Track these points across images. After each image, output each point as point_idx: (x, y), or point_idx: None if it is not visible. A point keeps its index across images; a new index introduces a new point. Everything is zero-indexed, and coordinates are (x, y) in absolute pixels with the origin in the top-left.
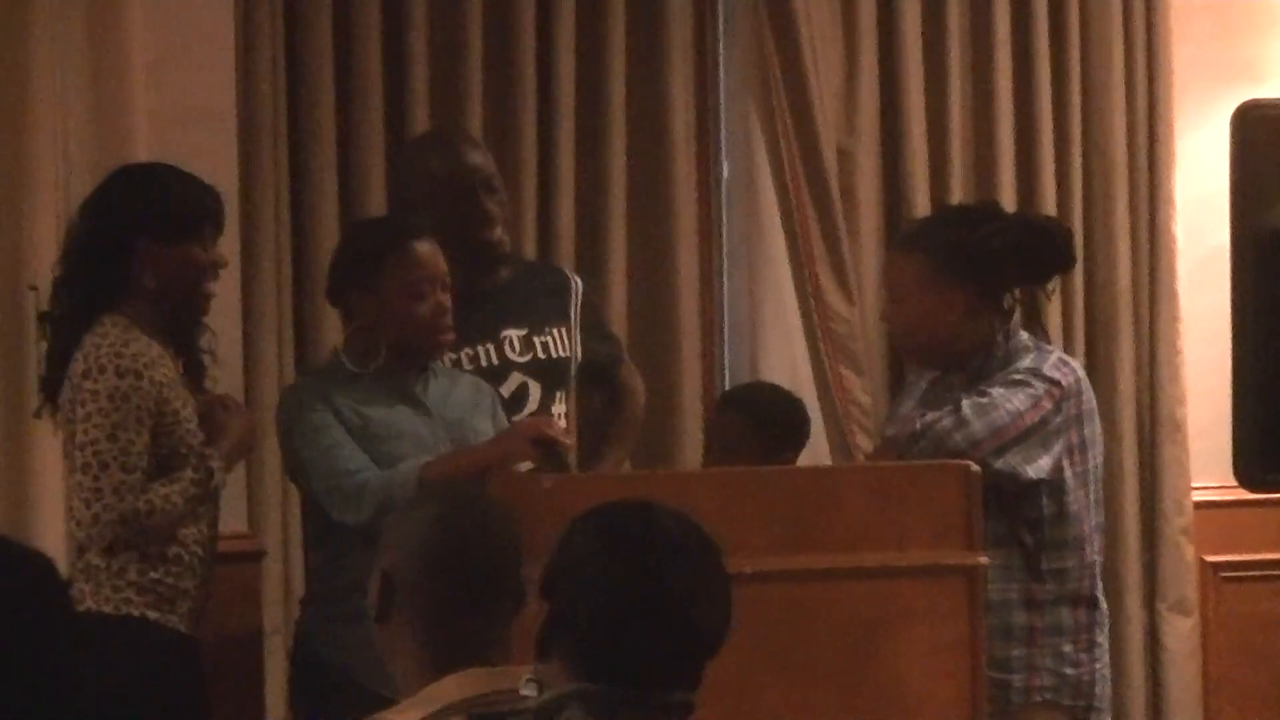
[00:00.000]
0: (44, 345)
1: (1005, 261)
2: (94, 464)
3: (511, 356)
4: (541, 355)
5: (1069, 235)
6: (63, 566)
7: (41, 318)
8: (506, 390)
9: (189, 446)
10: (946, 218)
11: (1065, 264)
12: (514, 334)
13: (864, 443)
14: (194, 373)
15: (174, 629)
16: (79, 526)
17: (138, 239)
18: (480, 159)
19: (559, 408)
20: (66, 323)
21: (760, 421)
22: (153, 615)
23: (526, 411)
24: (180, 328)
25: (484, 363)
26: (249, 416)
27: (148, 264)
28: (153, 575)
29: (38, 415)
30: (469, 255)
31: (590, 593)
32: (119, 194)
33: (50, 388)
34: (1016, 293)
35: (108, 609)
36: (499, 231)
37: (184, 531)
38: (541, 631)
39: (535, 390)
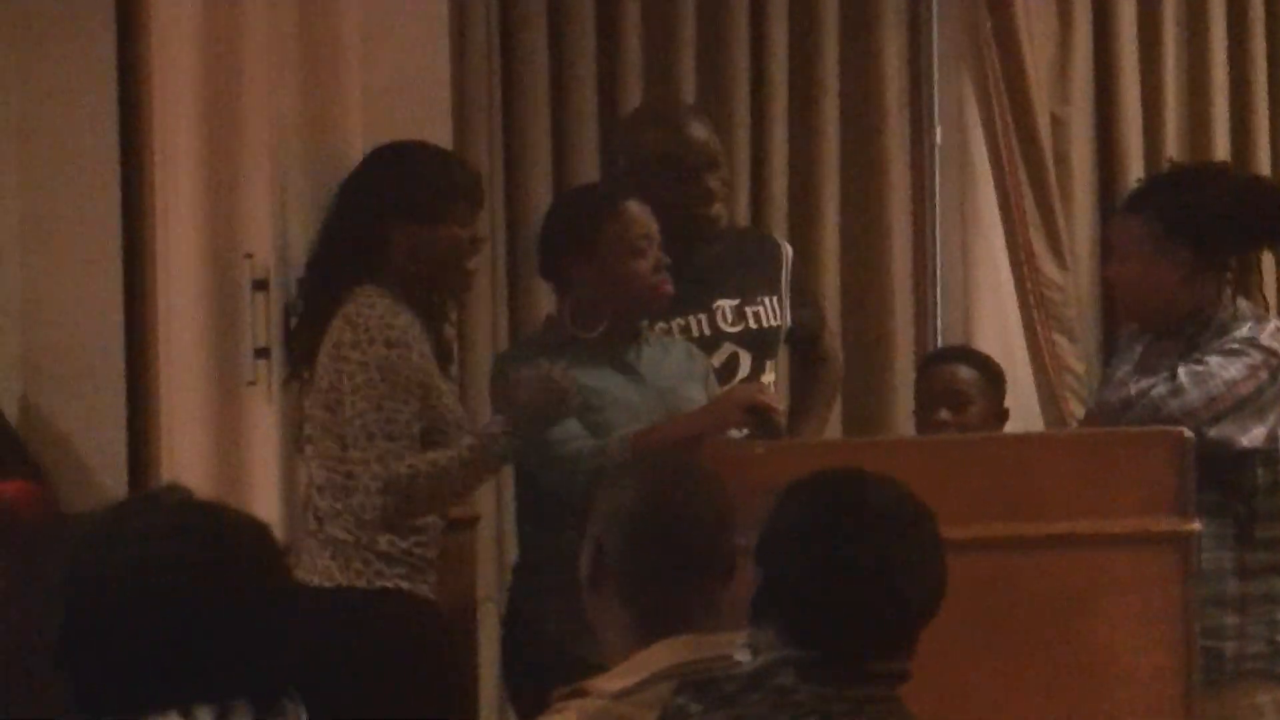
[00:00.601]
0: (255, 312)
1: (1228, 225)
2: (361, 436)
3: (723, 326)
4: (753, 325)
5: None
6: (280, 535)
7: (294, 284)
8: (718, 360)
9: (450, 423)
10: (1174, 178)
11: None
12: (726, 304)
13: (1076, 409)
14: (442, 352)
15: (427, 599)
16: (351, 499)
17: (390, 221)
18: (704, 133)
19: (768, 377)
20: (320, 297)
21: (988, 372)
22: (406, 586)
23: (737, 381)
24: (434, 306)
25: (695, 333)
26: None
27: (401, 245)
28: (402, 546)
29: (293, 380)
30: (683, 227)
31: (801, 561)
32: (371, 176)
33: (300, 361)
34: (1236, 259)
35: (360, 583)
36: (718, 208)
37: None
38: (755, 598)
39: (746, 360)
